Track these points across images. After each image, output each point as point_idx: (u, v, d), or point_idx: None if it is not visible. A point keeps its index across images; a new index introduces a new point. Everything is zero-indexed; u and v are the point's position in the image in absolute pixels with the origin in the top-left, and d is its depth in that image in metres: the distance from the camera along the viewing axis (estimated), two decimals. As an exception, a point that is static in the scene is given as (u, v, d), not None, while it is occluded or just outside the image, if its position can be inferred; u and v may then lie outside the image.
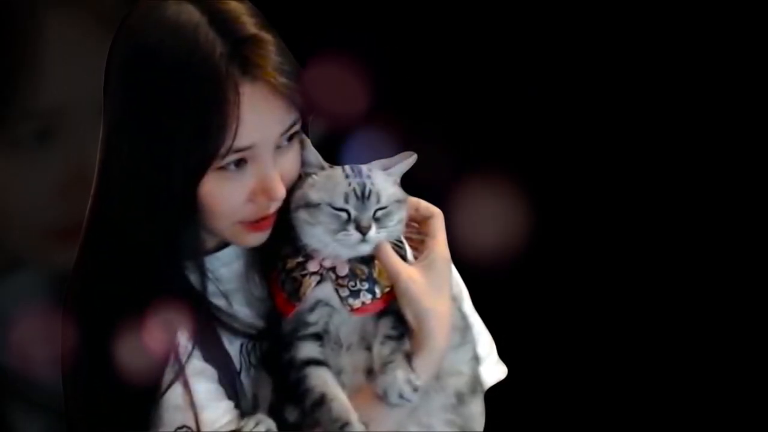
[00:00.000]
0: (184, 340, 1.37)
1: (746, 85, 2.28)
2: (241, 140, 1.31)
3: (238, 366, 1.41)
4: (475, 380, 1.44)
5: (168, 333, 1.36)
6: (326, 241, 1.36)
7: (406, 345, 1.36)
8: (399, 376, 1.33)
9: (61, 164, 2.09)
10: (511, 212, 2.05)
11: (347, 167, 1.39)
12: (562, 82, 2.30)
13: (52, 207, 2.09)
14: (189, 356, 1.37)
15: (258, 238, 1.40)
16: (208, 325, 1.40)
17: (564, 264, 2.35)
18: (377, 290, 1.38)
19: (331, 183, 1.37)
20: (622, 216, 2.35)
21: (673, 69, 2.29)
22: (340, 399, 1.34)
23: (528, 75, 2.29)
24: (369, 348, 1.38)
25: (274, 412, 1.37)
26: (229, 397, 1.39)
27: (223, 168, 1.33)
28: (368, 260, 1.39)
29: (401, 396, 1.33)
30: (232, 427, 1.35)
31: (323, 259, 1.38)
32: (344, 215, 1.36)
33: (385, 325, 1.38)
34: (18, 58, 2.07)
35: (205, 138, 1.30)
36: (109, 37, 1.40)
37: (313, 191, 1.37)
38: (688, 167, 2.32)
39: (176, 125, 1.31)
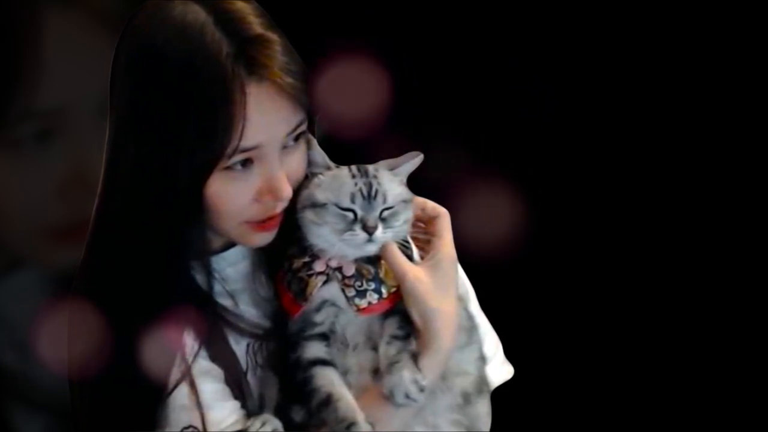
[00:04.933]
0: (190, 339, 1.37)
1: (746, 85, 2.28)
2: (248, 140, 1.31)
3: (244, 366, 1.41)
4: (482, 380, 1.43)
5: (174, 333, 1.36)
6: (332, 241, 1.36)
7: (413, 345, 1.36)
8: (405, 376, 1.33)
9: (61, 164, 2.09)
10: (517, 212, 2.05)
11: (353, 167, 1.39)
12: (568, 82, 2.31)
13: (52, 207, 2.09)
14: (195, 356, 1.37)
15: (264, 238, 1.40)
16: (215, 325, 1.40)
17: (570, 264, 2.35)
18: (383, 290, 1.38)
19: (337, 183, 1.37)
20: (628, 216, 2.35)
21: (673, 69, 2.29)
22: (347, 399, 1.34)
23: (533, 75, 2.29)
24: (375, 348, 1.37)
25: (281, 412, 1.37)
26: (236, 397, 1.38)
27: (229, 168, 1.33)
28: (374, 260, 1.39)
29: (407, 396, 1.33)
30: (239, 427, 1.35)
31: (329, 259, 1.37)
32: (350, 215, 1.36)
33: (392, 325, 1.38)
34: (18, 58, 2.07)
35: (211, 138, 1.30)
36: (110, 37, 1.40)
37: (319, 191, 1.37)
38: (689, 166, 2.33)
39: (182, 125, 1.31)
